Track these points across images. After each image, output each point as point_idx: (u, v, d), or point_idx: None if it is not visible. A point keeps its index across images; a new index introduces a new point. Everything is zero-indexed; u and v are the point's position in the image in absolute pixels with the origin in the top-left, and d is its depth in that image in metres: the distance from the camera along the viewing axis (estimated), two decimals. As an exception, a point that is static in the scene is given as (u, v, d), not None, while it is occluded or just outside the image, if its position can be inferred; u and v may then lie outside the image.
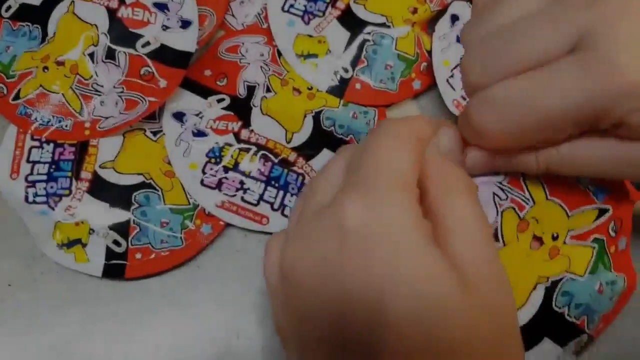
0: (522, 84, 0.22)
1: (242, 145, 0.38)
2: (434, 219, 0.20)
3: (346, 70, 0.40)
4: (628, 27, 0.20)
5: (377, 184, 0.20)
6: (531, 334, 0.27)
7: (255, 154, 0.38)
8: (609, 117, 0.21)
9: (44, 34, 0.38)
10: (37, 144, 0.37)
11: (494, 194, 0.24)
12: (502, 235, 0.24)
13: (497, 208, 0.24)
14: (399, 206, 0.19)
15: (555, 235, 0.24)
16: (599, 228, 0.30)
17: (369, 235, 0.19)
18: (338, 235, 0.20)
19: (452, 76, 0.40)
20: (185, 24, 0.38)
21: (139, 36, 0.37)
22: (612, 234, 0.30)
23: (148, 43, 0.37)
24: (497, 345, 0.19)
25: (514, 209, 0.24)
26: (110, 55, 0.37)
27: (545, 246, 0.24)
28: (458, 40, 0.41)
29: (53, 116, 0.37)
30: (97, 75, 0.38)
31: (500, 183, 0.24)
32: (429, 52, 0.41)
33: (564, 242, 0.25)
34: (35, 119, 0.37)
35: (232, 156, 0.38)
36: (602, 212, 0.30)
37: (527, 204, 0.24)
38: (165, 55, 0.37)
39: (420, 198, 0.21)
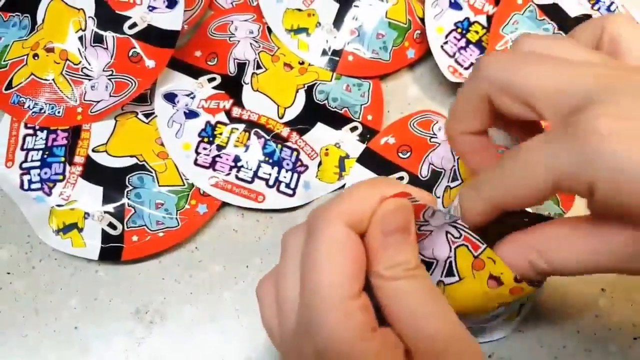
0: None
1: (235, 124, 0.37)
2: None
3: (337, 43, 0.40)
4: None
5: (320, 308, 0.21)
6: None
7: (247, 130, 0.37)
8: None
9: (34, 22, 0.38)
10: (30, 131, 0.37)
11: (447, 232, 0.25)
12: (457, 270, 0.25)
13: (450, 245, 0.25)
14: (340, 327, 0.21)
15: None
16: None
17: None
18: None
19: (446, 42, 0.39)
20: (172, 3, 0.38)
21: (126, 18, 0.37)
22: None
23: (135, 24, 0.37)
24: None
25: (467, 246, 0.25)
26: (98, 39, 0.37)
27: (505, 286, 0.24)
28: (451, 5, 0.40)
29: (46, 103, 0.37)
30: (86, 59, 0.37)
31: (455, 222, 0.25)
32: (422, 20, 0.40)
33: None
34: (29, 107, 0.37)
35: (224, 134, 0.37)
36: None
37: (482, 244, 0.24)
38: (152, 35, 0.37)
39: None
